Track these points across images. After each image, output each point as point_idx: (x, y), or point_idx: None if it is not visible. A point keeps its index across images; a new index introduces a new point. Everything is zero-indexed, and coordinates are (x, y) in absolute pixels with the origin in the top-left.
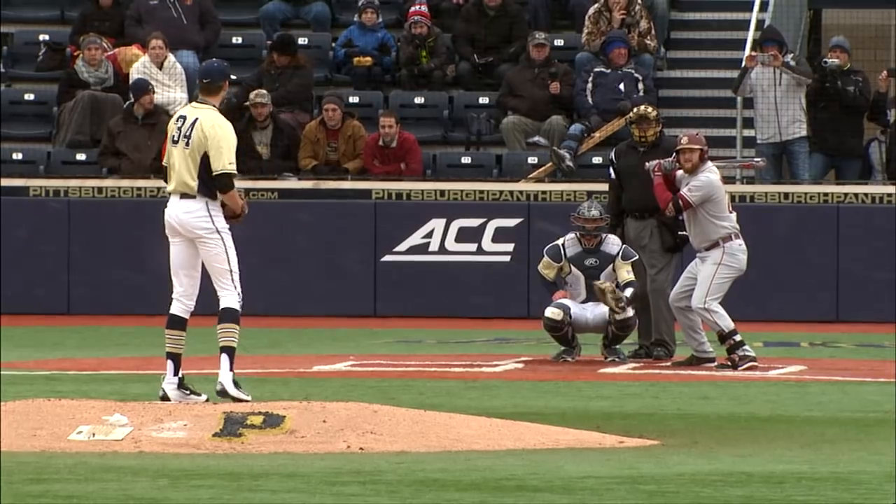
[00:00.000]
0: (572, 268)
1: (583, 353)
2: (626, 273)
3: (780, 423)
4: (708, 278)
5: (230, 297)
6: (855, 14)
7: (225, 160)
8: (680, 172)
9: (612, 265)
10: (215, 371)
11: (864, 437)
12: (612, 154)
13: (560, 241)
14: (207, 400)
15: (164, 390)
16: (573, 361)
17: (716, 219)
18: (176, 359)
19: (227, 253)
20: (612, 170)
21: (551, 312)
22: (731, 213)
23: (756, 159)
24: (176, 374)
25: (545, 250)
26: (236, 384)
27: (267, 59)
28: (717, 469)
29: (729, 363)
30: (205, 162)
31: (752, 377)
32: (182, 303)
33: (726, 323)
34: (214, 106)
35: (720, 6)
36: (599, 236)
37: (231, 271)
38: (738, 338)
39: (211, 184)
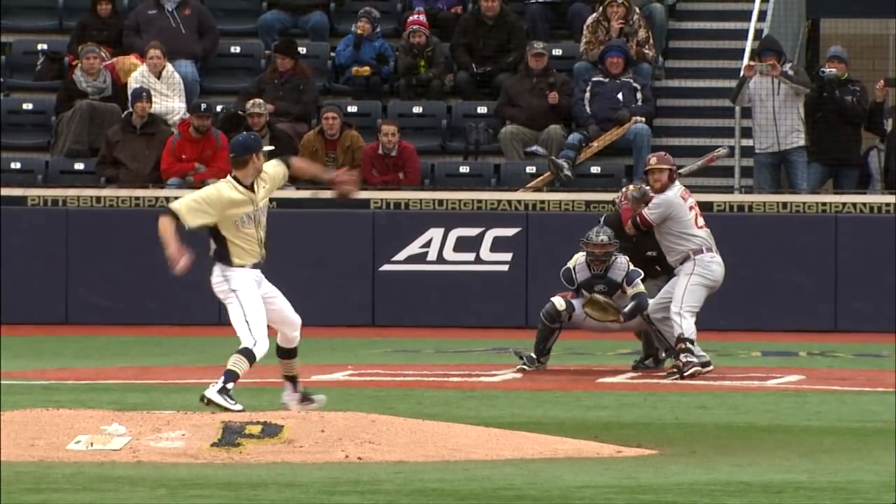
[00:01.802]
0: (583, 292)
1: (575, 364)
2: (632, 292)
3: (778, 432)
4: (681, 288)
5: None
6: (853, 24)
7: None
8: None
9: (620, 290)
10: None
11: (862, 447)
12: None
13: (571, 265)
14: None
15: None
16: (530, 371)
17: (682, 235)
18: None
19: (241, 309)
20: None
21: (558, 303)
22: (700, 228)
23: (718, 150)
24: (295, 390)
25: (561, 274)
26: (227, 394)
27: (269, 67)
28: (715, 479)
29: (675, 370)
30: (213, 229)
31: (751, 387)
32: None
33: (690, 331)
34: (235, 178)
35: (718, 16)
36: (608, 260)
37: (247, 322)
38: (691, 346)
39: (218, 252)
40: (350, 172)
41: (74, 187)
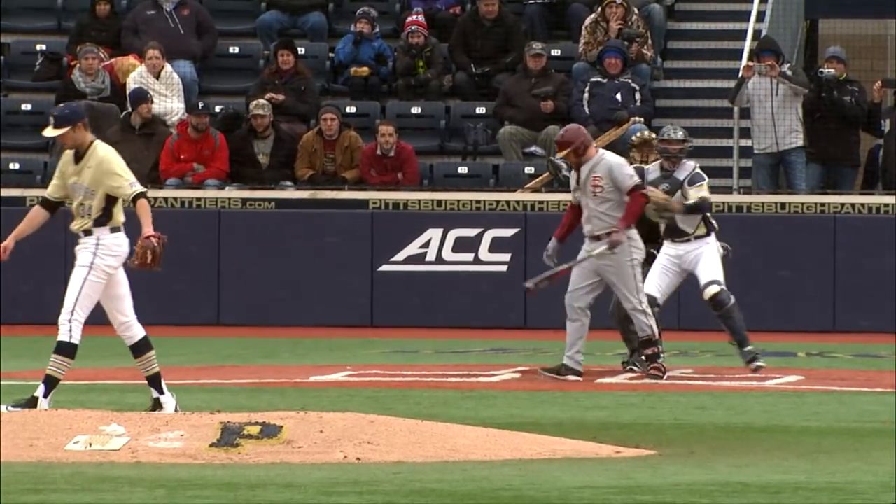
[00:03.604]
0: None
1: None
2: (693, 194)
3: (776, 433)
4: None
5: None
6: (851, 24)
7: None
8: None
9: (680, 190)
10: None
11: (860, 447)
12: None
13: (646, 167)
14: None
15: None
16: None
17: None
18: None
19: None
20: None
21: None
22: None
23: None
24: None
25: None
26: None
27: (268, 67)
28: (713, 479)
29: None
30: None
31: (749, 388)
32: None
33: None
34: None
35: (717, 17)
36: (682, 157)
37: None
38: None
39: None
40: (157, 242)
41: None
